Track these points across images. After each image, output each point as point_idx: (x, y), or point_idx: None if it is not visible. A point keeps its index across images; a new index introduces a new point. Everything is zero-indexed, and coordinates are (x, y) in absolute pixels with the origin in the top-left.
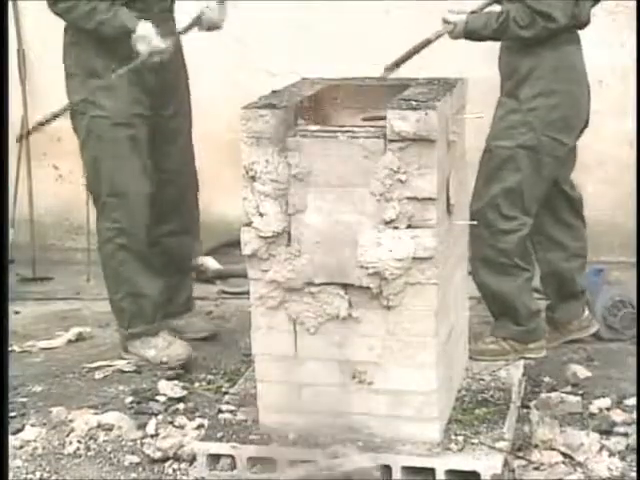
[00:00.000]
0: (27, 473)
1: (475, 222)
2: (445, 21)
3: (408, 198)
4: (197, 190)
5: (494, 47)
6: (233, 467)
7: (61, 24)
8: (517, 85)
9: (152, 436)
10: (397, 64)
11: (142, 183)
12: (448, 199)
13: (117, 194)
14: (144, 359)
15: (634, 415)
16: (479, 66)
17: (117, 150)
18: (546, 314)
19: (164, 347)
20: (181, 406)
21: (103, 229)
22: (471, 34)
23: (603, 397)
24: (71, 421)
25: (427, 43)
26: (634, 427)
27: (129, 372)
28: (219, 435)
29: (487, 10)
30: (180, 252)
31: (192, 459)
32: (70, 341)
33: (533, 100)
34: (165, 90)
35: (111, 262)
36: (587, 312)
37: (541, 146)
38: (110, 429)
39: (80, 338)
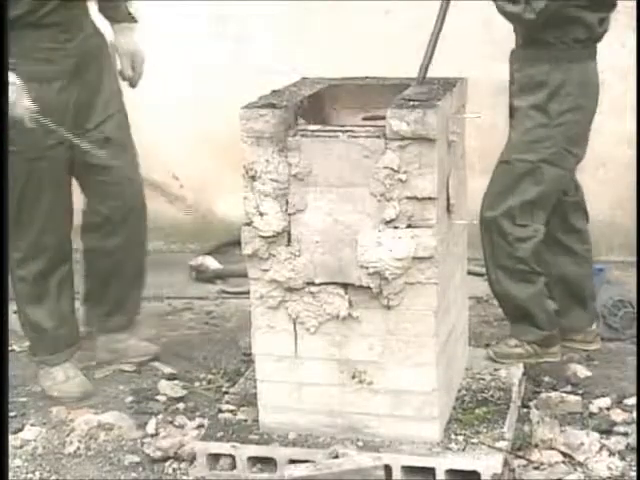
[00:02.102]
0: (27, 473)
1: (475, 222)
2: None
3: (408, 198)
4: (142, 199)
5: (494, 46)
6: (233, 467)
7: None
8: (547, 98)
9: (152, 436)
10: (426, 66)
11: (54, 213)
12: (448, 199)
13: (21, 224)
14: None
15: (634, 414)
16: (479, 66)
17: (29, 186)
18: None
19: (61, 381)
20: (181, 406)
21: (11, 257)
22: None
23: (603, 397)
24: (71, 421)
25: (439, 30)
26: (634, 426)
27: (129, 372)
28: (219, 435)
29: None
30: (124, 267)
31: (192, 459)
32: None
33: (562, 115)
34: (81, 106)
35: (14, 290)
36: (595, 326)
37: (560, 160)
38: (110, 429)
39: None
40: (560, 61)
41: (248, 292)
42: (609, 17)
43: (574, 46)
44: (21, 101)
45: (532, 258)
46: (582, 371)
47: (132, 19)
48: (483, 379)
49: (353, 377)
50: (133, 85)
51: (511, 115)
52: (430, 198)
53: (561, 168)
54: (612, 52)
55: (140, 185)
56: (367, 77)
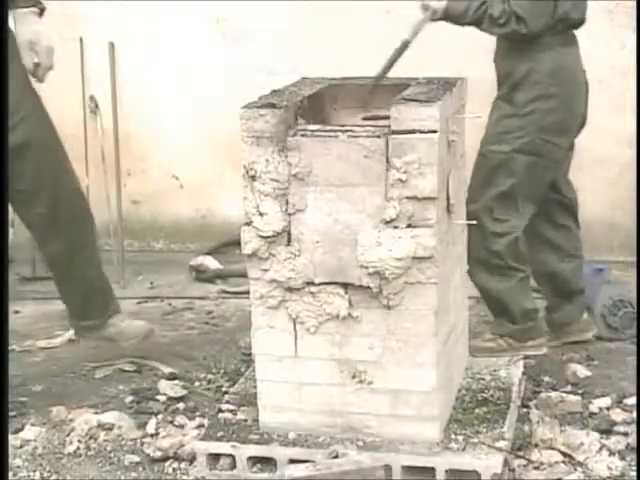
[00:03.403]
0: (27, 472)
1: (474, 222)
2: (424, 7)
3: (408, 197)
4: (77, 201)
5: (493, 46)
6: (233, 467)
7: None
8: (512, 89)
9: (152, 435)
10: (380, 77)
11: None
12: (448, 198)
13: None
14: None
15: (634, 414)
16: (479, 66)
17: None
18: (545, 315)
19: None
20: (181, 405)
21: None
22: (450, 18)
23: (603, 396)
24: (71, 420)
25: (406, 45)
26: (634, 426)
27: (129, 372)
28: (219, 435)
29: None
30: (74, 272)
31: (192, 458)
32: (70, 340)
33: (529, 104)
34: None
35: None
36: (586, 316)
37: (536, 149)
38: (110, 428)
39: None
40: (528, 51)
41: (248, 292)
42: (584, 3)
43: (543, 35)
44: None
45: (508, 253)
46: (582, 371)
47: (34, 3)
48: (483, 379)
49: (353, 377)
50: (40, 80)
51: None
52: (430, 198)
53: (538, 157)
54: (612, 52)
55: (73, 190)
56: (367, 77)
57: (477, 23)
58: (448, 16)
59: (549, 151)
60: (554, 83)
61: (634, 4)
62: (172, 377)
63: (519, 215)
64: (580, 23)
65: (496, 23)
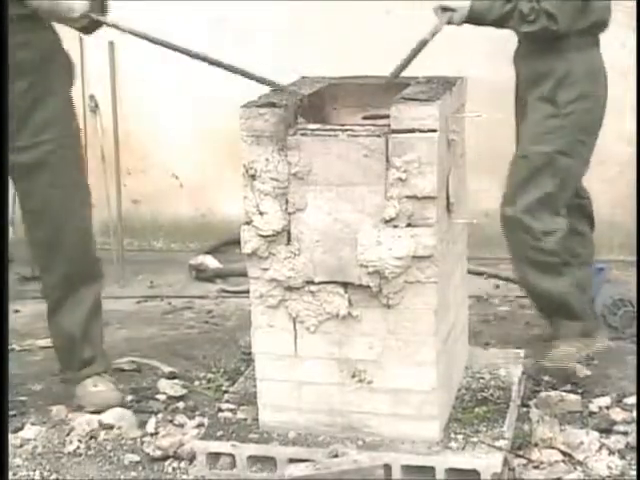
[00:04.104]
0: (27, 472)
1: (475, 221)
2: (443, 9)
3: (408, 197)
4: (81, 228)
5: (493, 45)
6: (233, 466)
7: None
8: (553, 89)
9: (152, 435)
10: (397, 74)
11: None
12: (448, 198)
13: None
14: None
15: (634, 414)
16: (479, 65)
17: None
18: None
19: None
20: (181, 405)
21: None
22: (474, 18)
23: (603, 396)
24: (71, 420)
25: (424, 44)
26: (634, 426)
27: (129, 371)
28: (219, 434)
29: None
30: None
31: (192, 458)
32: None
33: (570, 104)
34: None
35: None
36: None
37: (574, 150)
38: (110, 428)
39: None
40: (563, 52)
41: (248, 291)
42: (609, 5)
43: (576, 36)
44: None
45: (562, 249)
46: (582, 370)
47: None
48: (483, 378)
49: (353, 376)
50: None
51: (517, 111)
52: (430, 197)
53: (576, 158)
54: (612, 52)
55: (78, 228)
56: (367, 76)
57: (503, 20)
58: (472, 15)
59: (583, 151)
60: (589, 83)
61: (634, 4)
62: (172, 376)
63: (556, 213)
64: (606, 24)
65: (525, 20)
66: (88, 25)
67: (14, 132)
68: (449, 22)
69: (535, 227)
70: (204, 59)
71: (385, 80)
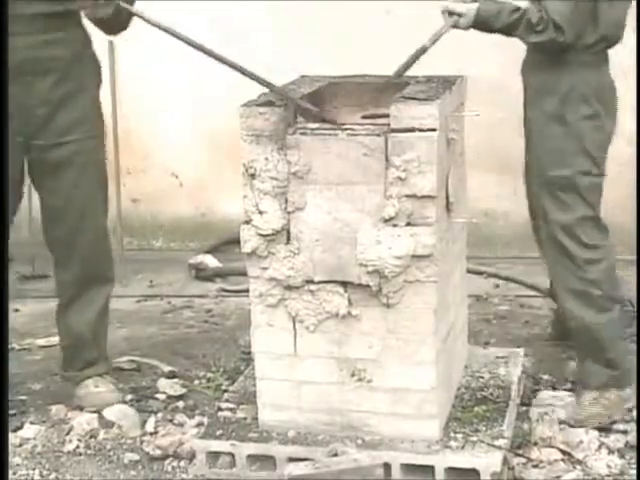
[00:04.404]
0: (27, 471)
1: (474, 220)
2: (450, 12)
3: (407, 196)
4: (99, 229)
5: (493, 45)
6: (232, 465)
7: None
8: (560, 105)
9: (152, 434)
10: (394, 79)
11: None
12: (447, 197)
13: None
14: None
15: (633, 413)
16: (478, 64)
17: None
18: (553, 325)
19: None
20: (181, 404)
21: None
22: (480, 23)
23: None
24: (70, 419)
25: (424, 51)
26: (633, 425)
27: (129, 370)
28: (218, 433)
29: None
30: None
31: (191, 457)
32: None
33: (579, 123)
34: (33, 114)
35: None
36: None
37: (597, 169)
38: (111, 426)
39: None
40: (569, 65)
41: (247, 290)
42: (621, 21)
43: (583, 50)
44: None
45: (605, 281)
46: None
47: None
48: (482, 377)
49: (352, 375)
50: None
51: (526, 126)
52: (429, 196)
53: (597, 175)
54: (612, 52)
55: (96, 227)
56: (367, 75)
57: (511, 28)
58: (479, 21)
59: (602, 168)
60: (597, 102)
61: (634, 4)
62: (171, 375)
63: (605, 237)
64: (618, 42)
65: (533, 30)
66: (113, 20)
67: (39, 128)
68: (455, 26)
69: (579, 254)
70: (232, 65)
71: (385, 80)
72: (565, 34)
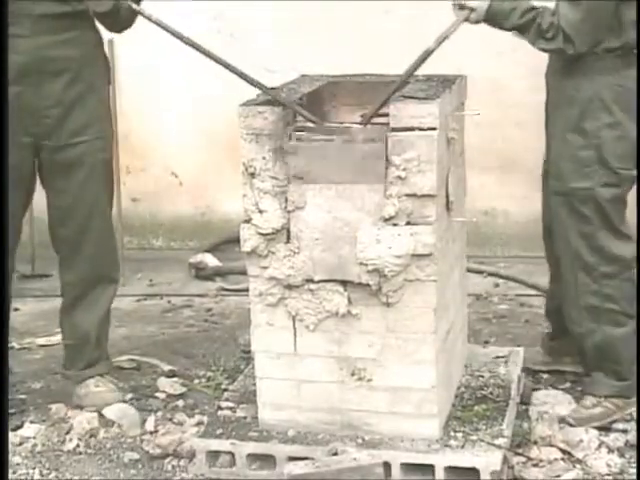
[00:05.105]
0: (26, 470)
1: (474, 219)
2: (461, 7)
3: (407, 195)
4: (106, 228)
5: (493, 44)
6: (232, 464)
7: None
8: (580, 116)
9: (151, 433)
10: (400, 84)
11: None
12: (447, 196)
13: None
14: None
15: (633, 412)
16: (478, 63)
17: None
18: (544, 342)
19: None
20: (180, 403)
21: None
22: (490, 19)
23: None
24: (70, 418)
25: (428, 54)
26: (633, 424)
27: (129, 369)
28: (218, 432)
29: None
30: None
31: (191, 456)
32: None
33: (599, 133)
34: (44, 115)
35: None
36: None
37: (620, 181)
38: (110, 426)
39: None
40: (589, 73)
41: (247, 289)
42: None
43: (604, 56)
44: None
45: (623, 296)
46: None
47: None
48: (482, 376)
49: (352, 374)
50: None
51: (548, 131)
52: (429, 195)
53: (619, 187)
54: None
55: (102, 229)
56: (366, 75)
57: (522, 29)
58: (490, 17)
59: (629, 180)
60: (619, 109)
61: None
62: (171, 374)
63: (626, 250)
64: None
65: (542, 35)
66: (114, 15)
67: (52, 129)
68: (466, 20)
69: (597, 268)
70: (240, 74)
71: (390, 89)
72: (575, 45)
